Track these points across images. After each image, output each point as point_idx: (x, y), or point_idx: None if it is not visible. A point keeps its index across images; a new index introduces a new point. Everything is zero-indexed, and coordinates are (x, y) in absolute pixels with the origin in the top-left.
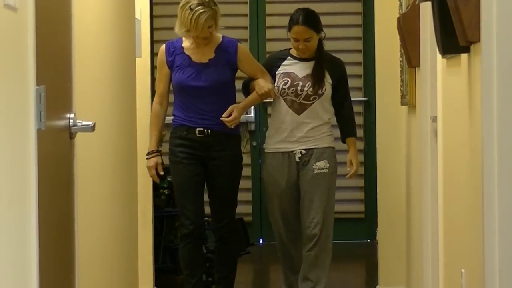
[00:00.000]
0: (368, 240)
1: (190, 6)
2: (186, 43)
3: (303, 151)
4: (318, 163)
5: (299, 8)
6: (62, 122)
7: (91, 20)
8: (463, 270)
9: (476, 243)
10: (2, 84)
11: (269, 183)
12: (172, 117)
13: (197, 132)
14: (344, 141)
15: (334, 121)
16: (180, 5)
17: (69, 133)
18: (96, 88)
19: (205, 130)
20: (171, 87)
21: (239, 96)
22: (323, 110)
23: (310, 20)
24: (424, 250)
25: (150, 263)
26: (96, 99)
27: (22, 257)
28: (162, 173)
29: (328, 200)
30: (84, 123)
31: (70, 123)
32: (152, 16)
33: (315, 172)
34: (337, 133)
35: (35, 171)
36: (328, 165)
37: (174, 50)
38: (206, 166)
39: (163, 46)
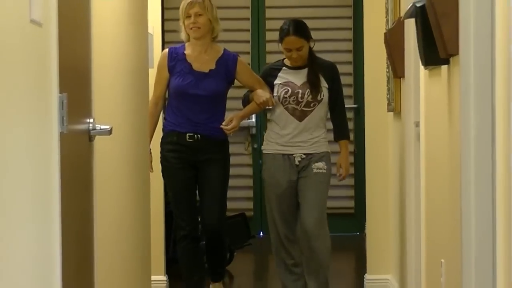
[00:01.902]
0: (358, 233)
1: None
2: (188, 51)
3: (303, 156)
4: (316, 164)
5: (288, 20)
6: (82, 126)
7: (109, 34)
8: (442, 260)
9: (455, 236)
10: (29, 92)
11: (270, 184)
12: (164, 120)
13: (187, 137)
14: (336, 140)
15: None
16: None
17: (89, 136)
18: (113, 95)
19: (195, 135)
20: (167, 91)
21: (232, 105)
22: (322, 116)
23: (301, 29)
24: (408, 242)
25: (162, 254)
26: (113, 105)
27: (46, 245)
28: (152, 171)
29: (323, 196)
30: (102, 127)
31: (90, 127)
32: (163, 31)
33: (314, 171)
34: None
35: (58, 170)
36: (326, 166)
37: (177, 56)
38: (196, 169)
39: (166, 50)
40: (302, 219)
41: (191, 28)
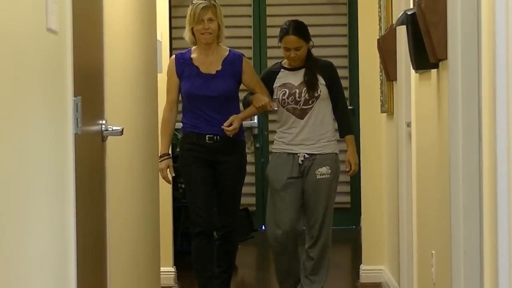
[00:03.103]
0: (353, 227)
1: (192, 1)
2: (194, 54)
3: (306, 155)
4: (320, 169)
5: (289, 20)
6: (95, 128)
7: (120, 41)
8: (433, 251)
9: (444, 229)
10: (46, 95)
11: (274, 178)
12: (182, 124)
13: (206, 138)
14: (341, 137)
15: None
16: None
17: (101, 136)
18: (124, 98)
19: (214, 137)
20: (180, 96)
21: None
22: (323, 111)
23: (300, 30)
24: (401, 234)
25: (170, 246)
26: (124, 108)
27: (62, 239)
28: (173, 174)
29: (328, 203)
30: (114, 128)
31: (102, 128)
32: (171, 38)
33: (317, 177)
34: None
35: (73, 169)
36: (330, 171)
37: (184, 61)
38: (214, 169)
39: (173, 57)
40: (306, 224)
41: (202, 33)
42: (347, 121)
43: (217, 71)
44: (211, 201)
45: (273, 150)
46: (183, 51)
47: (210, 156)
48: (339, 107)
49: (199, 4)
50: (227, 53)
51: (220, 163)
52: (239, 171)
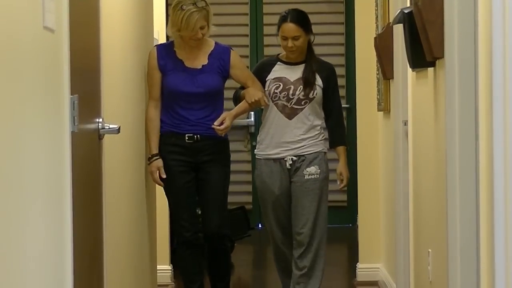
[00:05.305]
0: (350, 225)
1: (181, 6)
2: (178, 47)
3: (294, 158)
4: (308, 169)
5: (290, 9)
6: (92, 126)
7: (117, 39)
8: (429, 250)
9: (441, 227)
10: (43, 93)
11: (263, 190)
12: (160, 122)
13: (186, 138)
14: (332, 147)
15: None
16: (173, 5)
17: (98, 135)
18: (121, 96)
19: (194, 136)
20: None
21: (228, 104)
22: (314, 114)
23: (299, 18)
24: (397, 232)
25: (167, 244)
26: (121, 106)
27: (58, 237)
28: (164, 176)
29: (318, 205)
30: (111, 126)
31: (99, 126)
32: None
33: (305, 178)
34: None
35: (69, 167)
36: (319, 170)
37: (166, 54)
38: (198, 171)
39: (154, 50)
40: (293, 229)
41: (191, 38)
42: (341, 131)
43: (203, 65)
44: (194, 209)
45: (257, 156)
46: (165, 42)
47: (192, 157)
48: (333, 115)
49: (192, 11)
50: (214, 46)
51: (203, 164)
52: (224, 171)
